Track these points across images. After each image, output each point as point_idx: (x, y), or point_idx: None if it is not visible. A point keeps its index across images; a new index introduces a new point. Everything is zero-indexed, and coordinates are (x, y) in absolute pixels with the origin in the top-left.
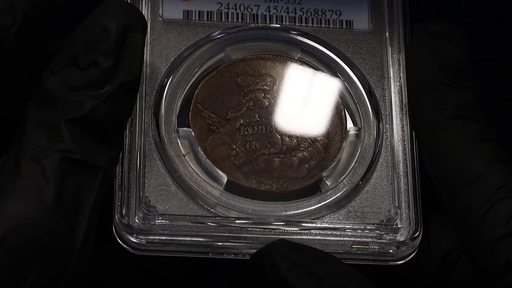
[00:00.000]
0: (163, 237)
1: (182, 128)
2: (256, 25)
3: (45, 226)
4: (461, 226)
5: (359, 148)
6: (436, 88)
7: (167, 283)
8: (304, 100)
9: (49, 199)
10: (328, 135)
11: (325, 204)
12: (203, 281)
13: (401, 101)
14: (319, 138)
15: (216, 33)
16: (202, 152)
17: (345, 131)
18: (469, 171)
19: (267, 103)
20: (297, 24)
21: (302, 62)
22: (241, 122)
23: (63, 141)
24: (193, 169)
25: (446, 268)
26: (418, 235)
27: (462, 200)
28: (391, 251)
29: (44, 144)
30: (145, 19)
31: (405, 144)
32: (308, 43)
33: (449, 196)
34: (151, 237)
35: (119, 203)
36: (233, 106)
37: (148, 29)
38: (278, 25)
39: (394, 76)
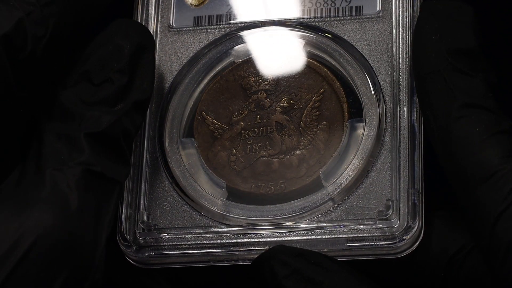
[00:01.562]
0: (163, 251)
1: (184, 139)
2: (261, 23)
3: (70, 234)
4: (474, 224)
5: (360, 141)
6: (445, 74)
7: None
8: (306, 95)
9: (74, 208)
10: (328, 129)
11: (322, 202)
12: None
13: (407, 87)
14: (319, 134)
15: (219, 38)
16: (203, 160)
17: (346, 123)
18: (484, 167)
19: (268, 104)
20: (305, 17)
21: (308, 56)
22: (243, 125)
23: (84, 154)
24: (193, 179)
25: (451, 271)
26: (414, 226)
27: (476, 198)
28: (388, 244)
29: (65, 156)
30: (154, 40)
31: (408, 133)
32: (311, 36)
33: (463, 192)
34: (152, 252)
35: (120, 218)
36: (236, 110)
37: (158, 40)
38: (279, 21)
39: (400, 61)
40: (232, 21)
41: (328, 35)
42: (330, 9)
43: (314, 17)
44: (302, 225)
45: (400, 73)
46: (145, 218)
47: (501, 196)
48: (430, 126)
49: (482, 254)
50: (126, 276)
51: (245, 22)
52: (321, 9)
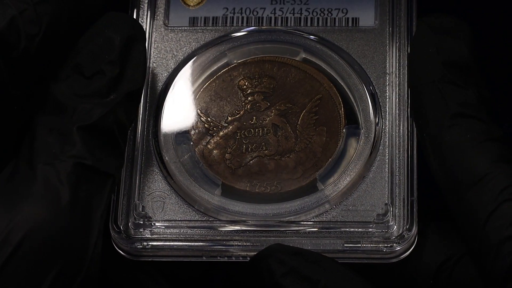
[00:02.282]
0: (156, 243)
1: (180, 134)
2: (260, 27)
3: (61, 229)
4: (465, 227)
5: (357, 147)
6: (439, 85)
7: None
8: (303, 100)
9: (65, 202)
10: (325, 134)
11: (318, 204)
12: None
13: (403, 97)
14: (316, 138)
15: (217, 38)
16: (198, 157)
17: (342, 129)
18: (474, 172)
19: (265, 106)
20: (302, 25)
21: (306, 62)
22: (238, 125)
23: (75, 147)
24: (188, 175)
25: (440, 279)
26: (410, 232)
27: (466, 201)
28: (383, 249)
29: (57, 150)
30: (144, 31)
31: (404, 141)
32: (309, 43)
33: (454, 196)
34: (145, 243)
35: (113, 210)
36: (232, 110)
37: (153, 37)
38: (279, 27)
39: (396, 72)
40: (228, 24)
41: (326, 43)
42: (326, 19)
43: (311, 26)
44: (297, 225)
45: (396, 82)
46: (139, 209)
47: (491, 197)
48: (422, 135)
49: (473, 255)
50: (120, 271)
51: (242, 26)
52: (318, 18)
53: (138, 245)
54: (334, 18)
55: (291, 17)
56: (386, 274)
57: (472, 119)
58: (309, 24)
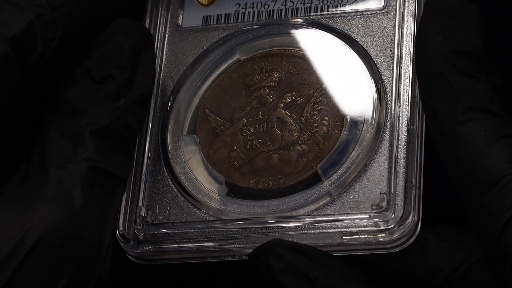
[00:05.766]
0: (161, 246)
1: (187, 136)
2: (268, 20)
3: (74, 232)
4: (482, 231)
5: (359, 136)
6: (449, 76)
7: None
8: (308, 91)
9: (79, 205)
10: (328, 124)
11: (319, 196)
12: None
13: (409, 83)
14: (319, 129)
15: (225, 36)
16: (203, 156)
17: (345, 120)
18: (490, 173)
19: (270, 100)
20: (312, 13)
21: (312, 51)
22: (244, 121)
23: (88, 151)
24: (193, 175)
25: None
26: (408, 220)
27: (483, 203)
28: (381, 238)
29: (69, 153)
30: (153, 37)
31: (407, 130)
32: (313, 32)
33: (470, 198)
34: (149, 247)
35: (120, 213)
36: (238, 107)
37: (166, 39)
38: (283, 18)
39: (403, 57)
40: (239, 20)
41: (332, 32)
42: (336, 5)
43: (321, 14)
44: (298, 220)
45: (403, 69)
46: (143, 213)
47: (509, 202)
48: (433, 129)
49: (489, 260)
50: (130, 273)
51: (252, 21)
52: (328, 6)
53: (143, 249)
54: (344, 4)
55: (301, 7)
56: (389, 282)
57: (486, 113)
58: (319, 11)
